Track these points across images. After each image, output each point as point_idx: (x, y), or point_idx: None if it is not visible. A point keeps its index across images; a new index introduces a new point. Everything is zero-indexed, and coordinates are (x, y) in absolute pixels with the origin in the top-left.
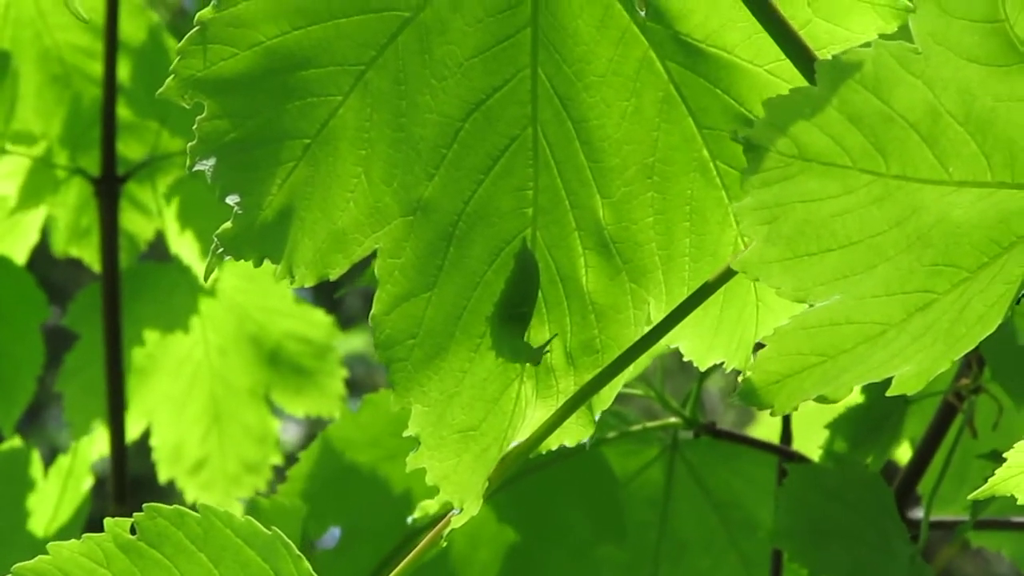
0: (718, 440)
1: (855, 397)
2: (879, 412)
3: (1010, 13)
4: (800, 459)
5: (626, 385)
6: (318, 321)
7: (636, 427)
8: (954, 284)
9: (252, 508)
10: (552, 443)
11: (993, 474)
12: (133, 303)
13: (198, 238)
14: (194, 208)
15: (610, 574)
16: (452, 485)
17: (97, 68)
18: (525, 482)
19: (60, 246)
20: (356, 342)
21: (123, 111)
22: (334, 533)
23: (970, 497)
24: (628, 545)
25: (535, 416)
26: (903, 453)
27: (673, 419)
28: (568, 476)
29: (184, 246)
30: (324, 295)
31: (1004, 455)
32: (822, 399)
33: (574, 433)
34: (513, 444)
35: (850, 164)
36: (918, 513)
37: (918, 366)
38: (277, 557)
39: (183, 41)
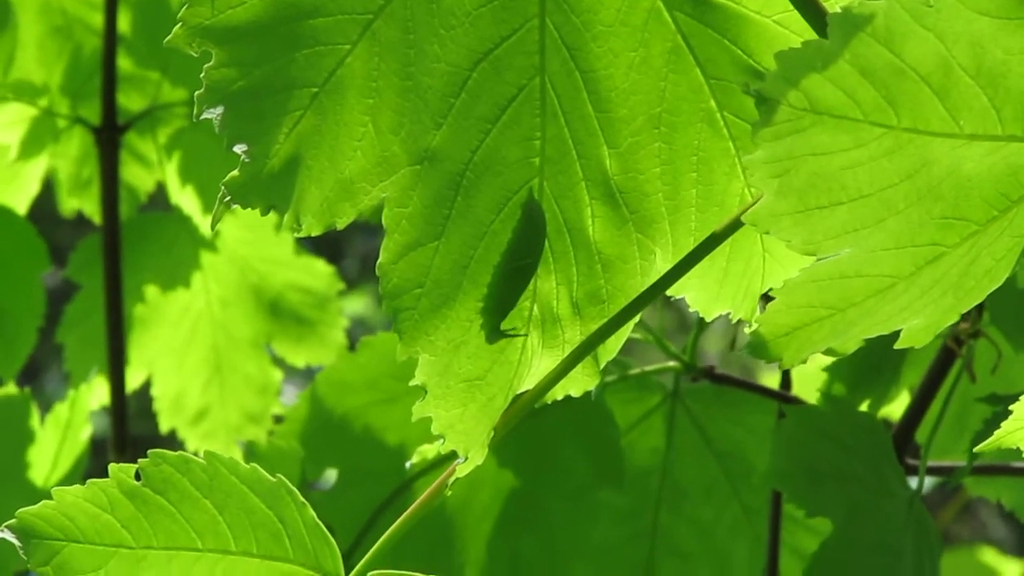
0: (719, 388)
1: None
2: (878, 355)
3: None
4: (799, 404)
5: None
6: (319, 271)
7: (635, 371)
8: (963, 237)
9: (249, 451)
10: (558, 393)
11: (992, 418)
12: (134, 254)
13: (199, 189)
14: (195, 159)
15: (609, 519)
16: (458, 434)
17: (98, 19)
18: (526, 426)
19: (65, 201)
20: (355, 305)
21: (123, 62)
22: (331, 475)
23: (975, 450)
24: (629, 491)
25: (541, 366)
26: (899, 407)
27: (672, 363)
28: (569, 421)
29: (185, 197)
30: (323, 254)
31: (1010, 407)
32: (831, 352)
33: (580, 383)
34: (519, 393)
35: (861, 117)
36: (917, 461)
37: (927, 319)
38: (281, 504)
39: None
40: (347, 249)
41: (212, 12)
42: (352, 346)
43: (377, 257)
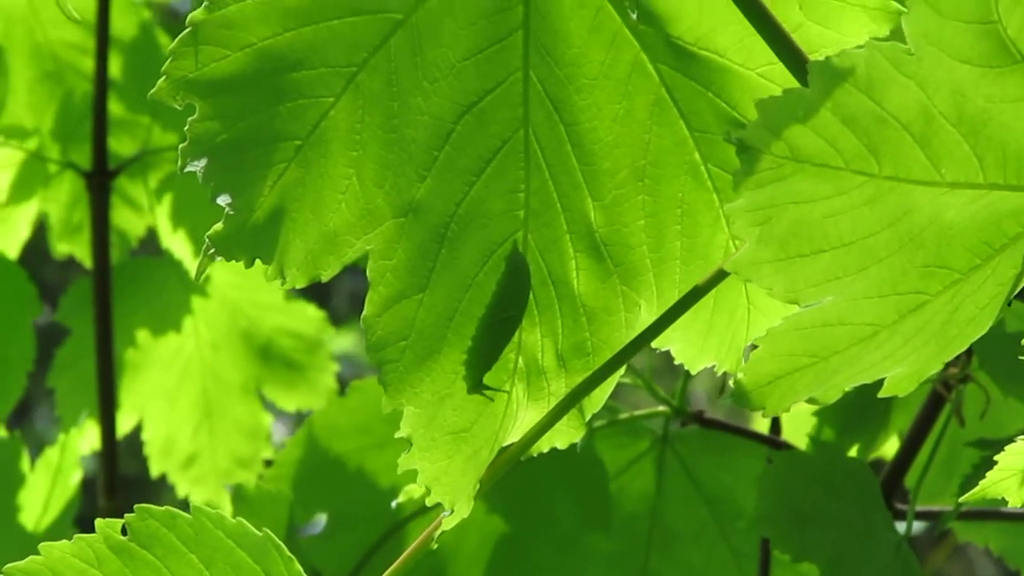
0: (709, 432)
1: None
2: (867, 400)
3: (1003, 14)
4: (788, 448)
5: None
6: (309, 316)
7: (624, 415)
8: (946, 286)
9: (238, 495)
10: (543, 445)
11: (980, 463)
12: (124, 298)
13: (190, 233)
14: (186, 204)
15: (598, 564)
16: (443, 486)
17: (89, 64)
18: (514, 472)
19: (55, 245)
20: (344, 342)
21: (114, 106)
22: (320, 519)
23: (961, 499)
24: (618, 536)
25: (526, 418)
26: (891, 449)
27: (662, 408)
28: (557, 467)
29: (176, 242)
30: (312, 295)
31: (995, 457)
32: (813, 400)
33: (565, 435)
34: (504, 446)
35: (843, 165)
36: (906, 505)
37: (910, 367)
38: (268, 559)
39: (175, 43)
40: (335, 287)
41: (196, 65)
42: (342, 384)
43: (365, 295)
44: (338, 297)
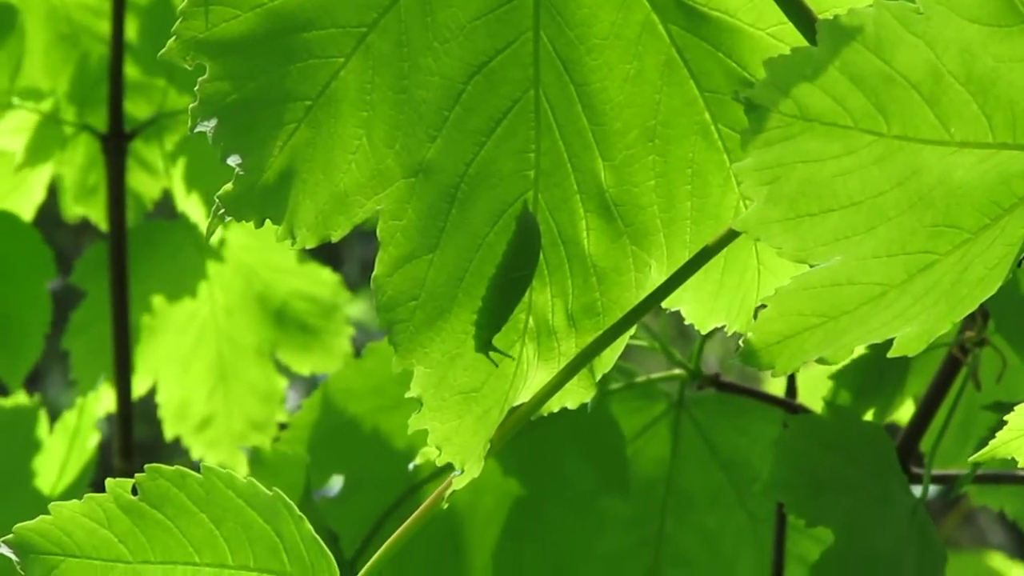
0: (724, 396)
1: (859, 349)
2: (883, 363)
3: None
4: (805, 413)
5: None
6: (324, 280)
7: (641, 379)
8: (955, 245)
9: (255, 458)
10: (554, 405)
11: (996, 426)
12: (140, 261)
13: (204, 197)
14: (201, 167)
15: (614, 527)
16: (454, 446)
17: (105, 27)
18: (530, 434)
19: (68, 206)
20: (355, 310)
21: (130, 69)
22: (337, 481)
23: (971, 459)
24: (634, 500)
25: (537, 378)
26: (906, 413)
27: (678, 371)
28: (573, 429)
29: (191, 205)
30: (323, 261)
31: (1005, 417)
32: (823, 360)
33: (576, 395)
34: (515, 406)
35: (851, 124)
36: (921, 470)
37: (919, 327)
38: (279, 518)
39: (185, 3)
40: (347, 254)
41: (206, 26)
42: (356, 350)
43: None
44: (349, 264)
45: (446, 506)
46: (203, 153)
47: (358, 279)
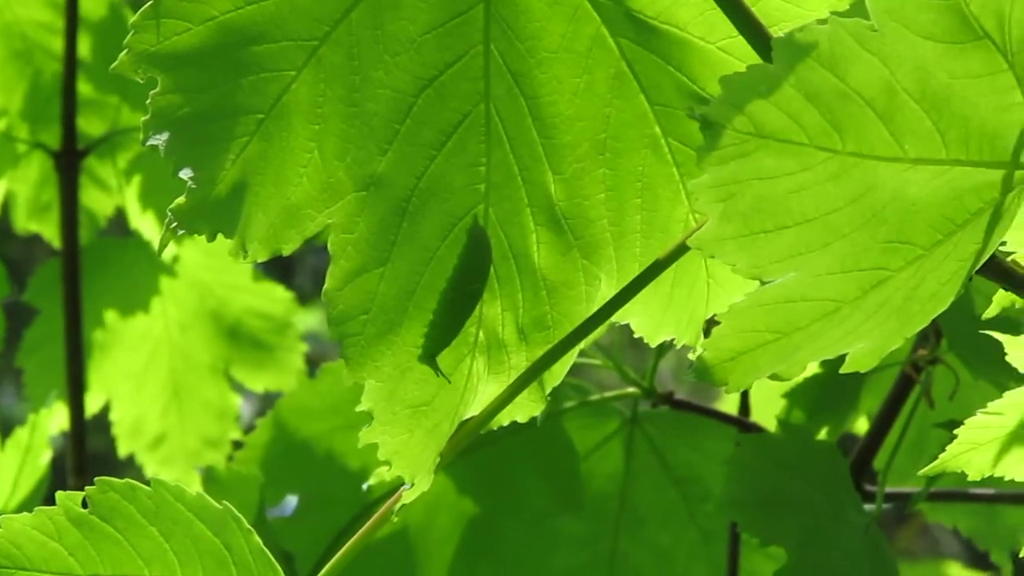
0: (677, 413)
1: (812, 367)
2: (837, 381)
3: None
4: (758, 430)
5: (584, 355)
6: (278, 297)
7: (594, 397)
8: (908, 261)
9: (209, 477)
10: (504, 419)
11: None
12: (93, 278)
13: (159, 214)
14: (155, 184)
15: (568, 545)
16: (404, 460)
17: (58, 44)
18: (484, 452)
19: (21, 222)
20: (308, 320)
21: (83, 86)
22: (291, 501)
23: (921, 473)
24: (587, 517)
25: (487, 391)
26: (861, 427)
27: (631, 389)
28: (527, 447)
29: (144, 222)
30: (276, 273)
31: (955, 432)
32: (776, 376)
33: (526, 409)
34: (465, 419)
35: (806, 141)
36: (875, 488)
37: (872, 343)
38: (228, 532)
39: (137, 15)
40: (299, 265)
41: (158, 39)
42: (309, 366)
43: None
44: (302, 275)
45: (396, 519)
46: (157, 170)
47: (311, 290)
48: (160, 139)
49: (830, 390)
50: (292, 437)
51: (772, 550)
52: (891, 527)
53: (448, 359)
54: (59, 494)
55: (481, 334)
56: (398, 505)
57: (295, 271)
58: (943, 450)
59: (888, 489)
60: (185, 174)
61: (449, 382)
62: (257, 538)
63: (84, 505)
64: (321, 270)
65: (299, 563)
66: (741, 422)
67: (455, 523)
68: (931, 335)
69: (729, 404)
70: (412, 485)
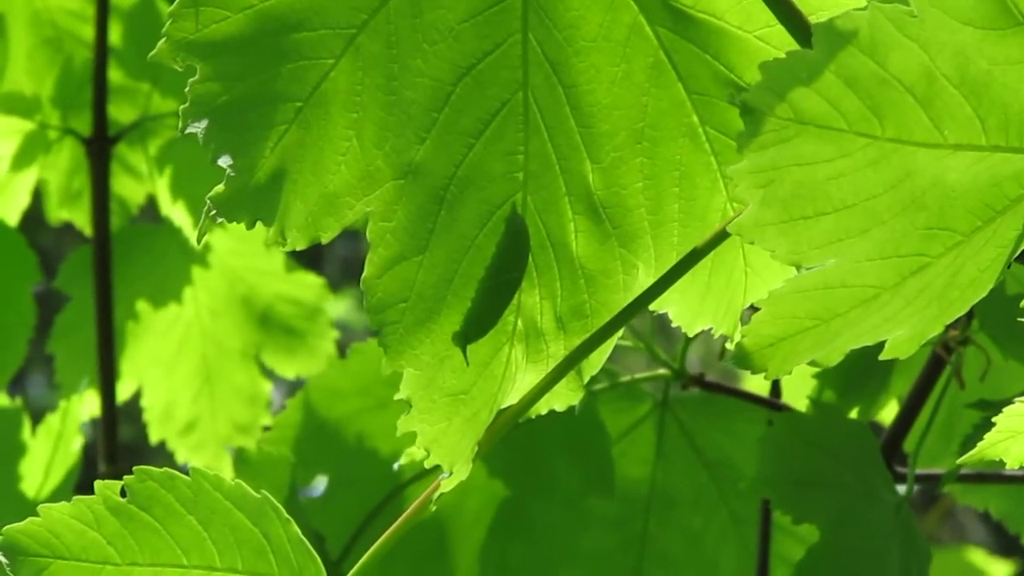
0: (708, 396)
1: None
2: (867, 362)
3: None
4: (788, 411)
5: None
6: (309, 283)
7: (625, 379)
8: (948, 248)
9: (240, 458)
10: (542, 407)
11: (980, 425)
12: (124, 265)
13: (190, 201)
14: (186, 171)
15: (599, 527)
16: (442, 448)
17: (88, 31)
18: (517, 435)
19: (52, 210)
20: (337, 308)
21: (114, 73)
22: (321, 481)
23: (958, 462)
24: (618, 500)
25: (525, 380)
26: (890, 413)
27: (662, 371)
28: (559, 430)
29: (176, 209)
30: (305, 261)
31: (993, 419)
32: (815, 363)
33: (564, 397)
34: (503, 407)
35: (846, 127)
36: (906, 469)
37: (911, 330)
38: (266, 520)
39: (175, 4)
40: (328, 253)
41: (196, 27)
42: (340, 354)
43: (358, 261)
44: (331, 263)
45: (434, 508)
46: (188, 157)
47: (339, 278)
48: (199, 127)
49: (861, 371)
50: (322, 418)
51: (802, 533)
52: (917, 512)
53: (486, 348)
54: (98, 483)
55: (519, 323)
56: (436, 494)
57: (324, 259)
58: (975, 432)
59: (918, 471)
60: (224, 162)
61: (467, 364)
62: (295, 527)
63: (122, 494)
64: (350, 257)
65: (330, 543)
66: (772, 404)
67: (486, 506)
68: (962, 316)
69: (755, 384)
70: (450, 473)
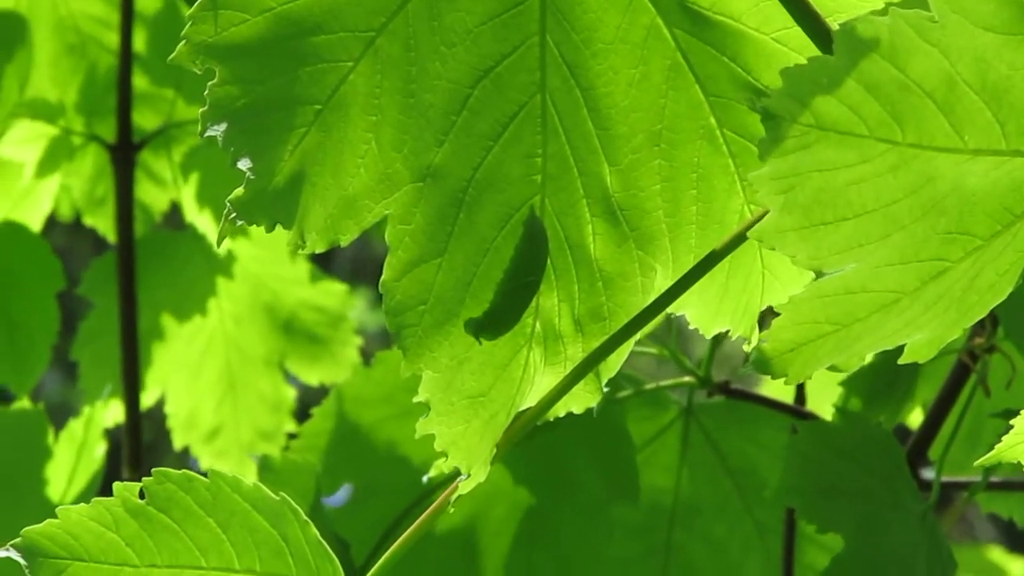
0: (733, 404)
1: (869, 355)
2: (893, 370)
3: None
4: (814, 419)
5: (640, 344)
6: (333, 290)
7: (650, 386)
8: (967, 252)
9: (265, 466)
10: (560, 409)
11: (1005, 433)
12: (148, 272)
13: (214, 207)
14: (210, 177)
15: (623, 535)
16: (460, 451)
17: (112, 38)
18: (541, 441)
19: (66, 210)
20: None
21: (138, 80)
22: (346, 489)
23: (977, 463)
24: (643, 508)
25: (543, 382)
26: (915, 419)
27: (687, 378)
28: (584, 437)
29: (202, 216)
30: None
31: (1012, 422)
32: (835, 368)
33: (582, 400)
34: (521, 410)
35: (867, 133)
36: (931, 475)
37: (930, 334)
38: (285, 523)
39: (194, 7)
40: (337, 253)
41: (215, 30)
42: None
43: (367, 261)
44: (340, 263)
45: (452, 511)
46: (213, 163)
47: (348, 279)
48: (218, 130)
49: (886, 378)
50: (348, 426)
51: (827, 542)
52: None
53: (504, 350)
54: (116, 485)
55: (538, 325)
56: (454, 496)
57: (333, 258)
58: (999, 440)
59: (944, 478)
60: (243, 165)
61: (481, 343)
62: (314, 529)
63: (141, 496)
64: (358, 258)
65: (354, 551)
66: (797, 411)
67: (511, 513)
68: (987, 323)
69: (777, 390)
70: (468, 476)
